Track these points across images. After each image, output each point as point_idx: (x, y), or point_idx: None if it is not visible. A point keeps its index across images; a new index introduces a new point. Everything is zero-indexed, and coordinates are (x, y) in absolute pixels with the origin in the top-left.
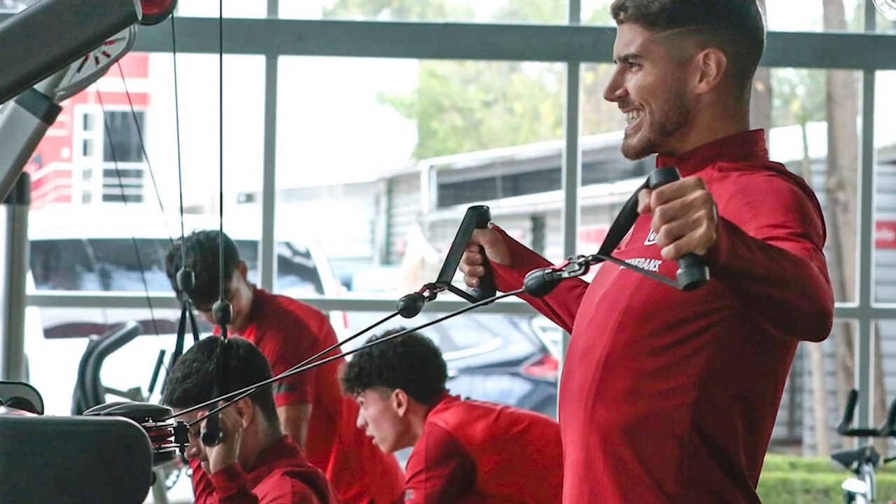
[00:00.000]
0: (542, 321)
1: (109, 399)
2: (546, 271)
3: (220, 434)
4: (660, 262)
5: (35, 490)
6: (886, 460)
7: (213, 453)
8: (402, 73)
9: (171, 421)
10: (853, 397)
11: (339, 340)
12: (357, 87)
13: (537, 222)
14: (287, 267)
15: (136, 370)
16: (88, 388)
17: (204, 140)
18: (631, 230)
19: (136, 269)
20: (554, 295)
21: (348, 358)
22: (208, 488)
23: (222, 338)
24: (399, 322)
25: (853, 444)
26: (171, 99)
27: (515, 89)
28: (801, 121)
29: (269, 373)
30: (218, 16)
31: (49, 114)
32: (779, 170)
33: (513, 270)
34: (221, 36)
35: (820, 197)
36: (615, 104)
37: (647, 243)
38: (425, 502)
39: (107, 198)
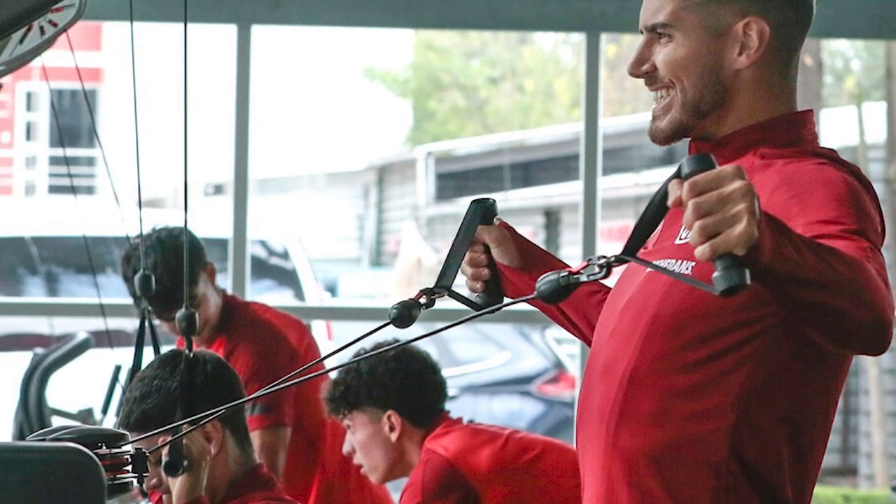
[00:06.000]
0: (556, 332)
1: (56, 422)
2: (561, 274)
3: (185, 463)
4: (693, 263)
5: None
6: None
7: (176, 485)
8: (395, 45)
9: (128, 447)
10: None
11: (323, 354)
12: (343, 62)
13: (551, 218)
14: (262, 269)
15: (87, 389)
16: (32, 410)
17: (166, 123)
18: (660, 227)
19: (87, 271)
20: (571, 302)
21: (333, 375)
22: None
23: (187, 351)
24: (392, 333)
25: None
26: (128, 75)
27: (526, 64)
28: (857, 100)
29: (242, 392)
30: None
31: None
32: (830, 157)
33: (523, 273)
34: (186, 2)
35: (878, 188)
36: (641, 81)
37: (678, 242)
38: None
39: (53, 189)
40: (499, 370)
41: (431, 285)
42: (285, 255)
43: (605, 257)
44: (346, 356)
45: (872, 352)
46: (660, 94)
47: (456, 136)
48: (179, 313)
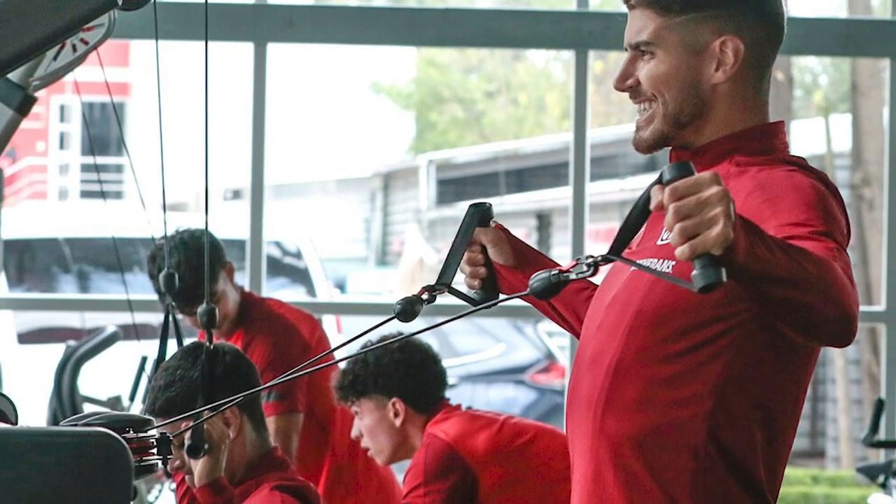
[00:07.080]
0: (548, 326)
1: (87, 408)
2: (552, 272)
3: (206, 446)
4: (673, 262)
5: None
6: None
7: (197, 466)
8: (399, 61)
9: (154, 432)
10: (879, 406)
11: (332, 346)
12: (351, 77)
13: (543, 220)
14: (277, 268)
15: (116, 378)
16: (65, 397)
17: (188, 133)
18: (643, 229)
19: (115, 270)
20: (561, 298)
21: (342, 365)
22: (193, 503)
23: (208, 343)
24: (396, 327)
25: (879, 456)
26: (154, 89)
27: (520, 79)
28: (824, 112)
29: (258, 380)
30: (203, 0)
31: (23, 105)
32: (800, 164)
33: (517, 272)
34: (207, 22)
35: (844, 193)
36: (626, 95)
37: (659, 243)
38: None
39: (85, 194)
40: (495, 361)
41: (433, 283)
42: (298, 255)
43: (592, 257)
44: (354, 348)
45: (839, 344)
46: (643, 106)
47: (455, 145)
48: (201, 308)
